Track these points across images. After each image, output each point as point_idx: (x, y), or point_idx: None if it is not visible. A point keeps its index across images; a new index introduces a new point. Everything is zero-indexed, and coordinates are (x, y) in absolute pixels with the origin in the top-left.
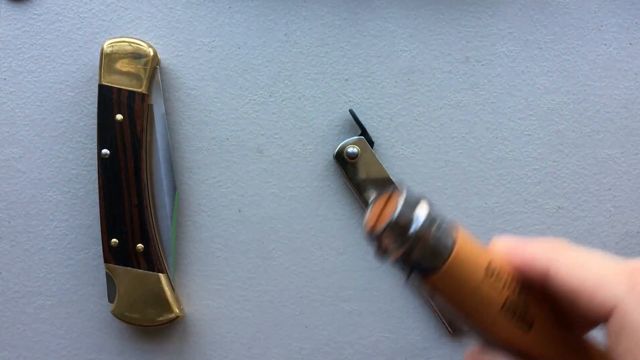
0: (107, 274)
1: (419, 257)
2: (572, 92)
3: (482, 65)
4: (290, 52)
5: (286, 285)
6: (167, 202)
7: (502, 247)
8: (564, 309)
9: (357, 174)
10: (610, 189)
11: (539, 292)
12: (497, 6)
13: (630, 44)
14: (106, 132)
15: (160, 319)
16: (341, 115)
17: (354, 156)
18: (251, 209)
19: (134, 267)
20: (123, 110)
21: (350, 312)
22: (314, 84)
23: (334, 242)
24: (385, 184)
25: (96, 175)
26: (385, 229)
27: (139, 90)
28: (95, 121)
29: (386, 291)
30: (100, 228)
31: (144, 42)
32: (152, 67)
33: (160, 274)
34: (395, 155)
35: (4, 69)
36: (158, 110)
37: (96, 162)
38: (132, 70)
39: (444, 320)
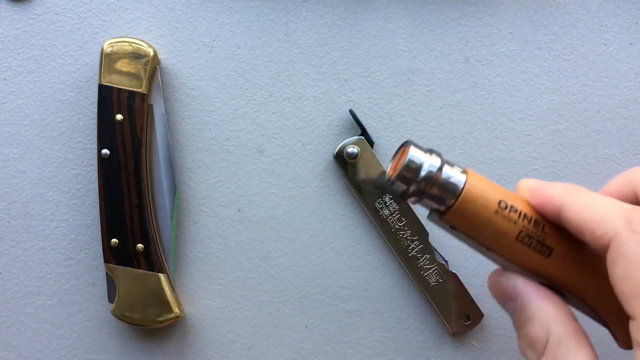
0: (107, 274)
1: (433, 196)
2: (572, 92)
3: (482, 65)
4: (290, 52)
5: (286, 285)
6: (167, 202)
7: (524, 187)
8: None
9: (357, 174)
10: None
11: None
12: (497, 6)
13: (630, 44)
14: (106, 132)
15: (160, 319)
16: (341, 115)
17: (354, 156)
18: (251, 209)
19: (134, 267)
20: (123, 110)
21: (350, 312)
22: (314, 84)
23: (334, 242)
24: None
25: (96, 175)
26: (398, 174)
27: (139, 90)
28: (95, 121)
29: (386, 291)
30: (100, 228)
31: (144, 42)
32: (152, 67)
33: (160, 274)
34: None
35: (4, 69)
36: (158, 110)
37: (96, 162)
38: (132, 70)
39: (444, 320)
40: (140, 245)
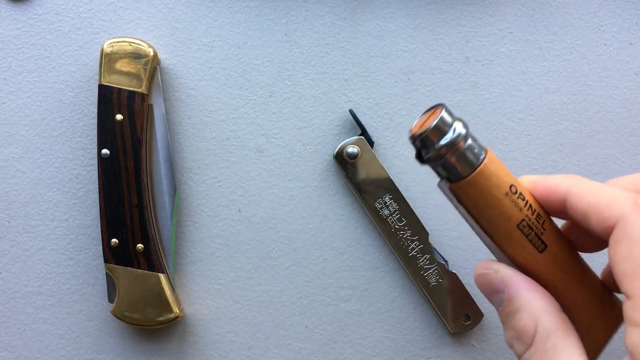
0: (107, 274)
1: (450, 164)
2: (572, 92)
3: (482, 65)
4: (290, 52)
5: (286, 285)
6: (167, 202)
7: (527, 181)
8: (578, 233)
9: (357, 174)
10: None
11: (558, 228)
12: (497, 6)
13: (630, 44)
14: (106, 132)
15: (160, 319)
16: (341, 115)
17: (354, 156)
18: (251, 209)
19: (134, 267)
20: (123, 110)
21: (350, 312)
22: (314, 84)
23: (334, 242)
24: (385, 184)
25: (96, 175)
26: (423, 133)
27: (139, 90)
28: (95, 121)
29: (386, 291)
30: (100, 228)
31: (144, 42)
32: (152, 67)
33: (160, 274)
34: (395, 155)
35: (4, 69)
36: (158, 110)
37: (96, 162)
38: (132, 70)
39: (444, 320)
40: (140, 245)
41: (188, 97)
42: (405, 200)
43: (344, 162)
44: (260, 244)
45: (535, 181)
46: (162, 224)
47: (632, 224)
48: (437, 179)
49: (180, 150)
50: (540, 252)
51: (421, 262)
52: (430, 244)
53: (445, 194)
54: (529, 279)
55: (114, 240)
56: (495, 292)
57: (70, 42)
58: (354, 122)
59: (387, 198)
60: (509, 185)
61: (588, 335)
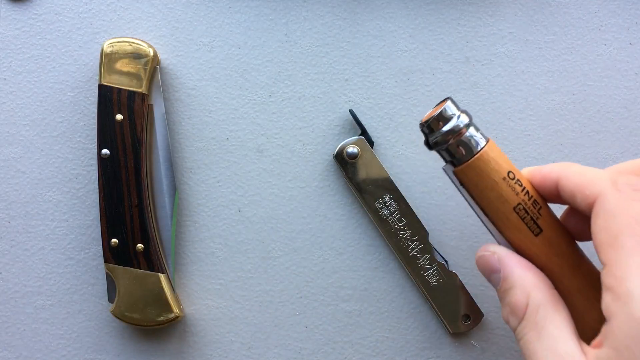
0: (107, 274)
1: (453, 149)
2: (572, 92)
3: (482, 65)
4: (290, 52)
5: (286, 285)
6: (167, 202)
7: (526, 172)
8: (575, 221)
9: (357, 174)
10: None
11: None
12: (497, 6)
13: (630, 44)
14: (106, 132)
15: (160, 319)
16: (341, 115)
17: (354, 156)
18: (251, 209)
19: (134, 267)
20: (123, 110)
21: (350, 312)
22: (314, 84)
23: (334, 242)
24: (385, 184)
25: (96, 175)
26: (429, 120)
27: (139, 90)
28: (95, 121)
29: (386, 291)
30: (100, 228)
31: (144, 42)
32: (152, 67)
33: (160, 274)
34: (395, 155)
35: (4, 69)
36: (158, 110)
37: (96, 162)
38: (132, 70)
39: (444, 320)
40: (140, 245)
41: (188, 97)
42: (405, 200)
43: (344, 162)
44: (260, 244)
45: (532, 170)
46: (162, 224)
47: (608, 199)
48: (436, 179)
49: (180, 150)
50: (536, 235)
51: (421, 262)
52: (430, 244)
53: (449, 177)
54: (522, 259)
55: (114, 240)
56: (492, 272)
57: (70, 42)
58: (354, 122)
59: (387, 198)
60: (507, 171)
61: (582, 320)
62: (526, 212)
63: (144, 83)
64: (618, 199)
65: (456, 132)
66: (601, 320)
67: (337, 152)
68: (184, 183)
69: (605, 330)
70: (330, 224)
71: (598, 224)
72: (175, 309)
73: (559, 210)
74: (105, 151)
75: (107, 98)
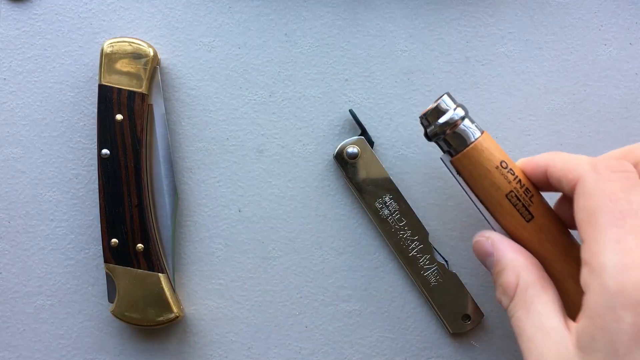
0: (107, 274)
1: (449, 139)
2: (572, 92)
3: (482, 65)
4: (290, 52)
5: (286, 285)
6: (167, 202)
7: (519, 162)
8: (567, 209)
9: (357, 174)
10: None
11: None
12: (497, 6)
13: (630, 44)
14: (106, 132)
15: (160, 319)
16: (341, 115)
17: (354, 156)
18: (251, 209)
19: (134, 267)
20: (123, 110)
21: (350, 312)
22: (314, 84)
23: (334, 242)
24: (385, 184)
25: (96, 175)
26: (425, 113)
27: (139, 90)
28: (95, 121)
29: (386, 291)
30: (100, 228)
31: (144, 42)
32: (152, 67)
33: (160, 274)
34: (395, 155)
35: (4, 69)
36: (158, 110)
37: (96, 162)
38: (132, 70)
39: (444, 320)
40: (140, 245)
41: (188, 97)
42: (405, 200)
43: (344, 162)
44: (260, 244)
45: (525, 161)
46: (162, 224)
47: (587, 180)
48: (436, 179)
49: (180, 150)
50: (528, 221)
51: (421, 262)
52: (430, 244)
53: (447, 166)
54: (514, 243)
55: (114, 240)
56: (487, 256)
57: (70, 42)
58: (354, 122)
59: (387, 198)
60: (500, 160)
61: (574, 306)
62: (518, 199)
63: (144, 83)
64: (596, 179)
65: (452, 123)
66: None
67: (337, 152)
68: (184, 183)
69: (583, 303)
70: (330, 224)
71: (578, 204)
72: (175, 309)
73: (553, 200)
74: (105, 151)
75: (107, 98)
